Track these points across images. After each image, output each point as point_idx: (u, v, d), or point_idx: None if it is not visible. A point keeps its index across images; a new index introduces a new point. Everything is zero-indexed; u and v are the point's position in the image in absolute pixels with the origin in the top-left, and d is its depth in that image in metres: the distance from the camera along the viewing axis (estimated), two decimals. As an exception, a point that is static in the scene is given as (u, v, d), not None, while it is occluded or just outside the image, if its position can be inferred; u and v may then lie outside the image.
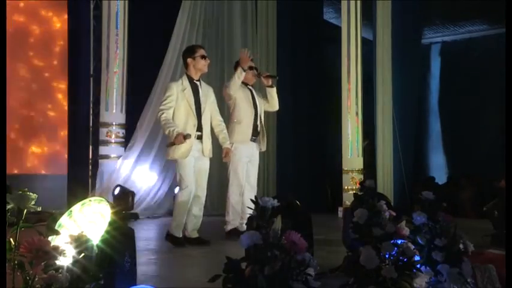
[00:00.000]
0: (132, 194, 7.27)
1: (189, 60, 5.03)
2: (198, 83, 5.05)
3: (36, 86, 7.89)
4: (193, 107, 4.92)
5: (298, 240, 2.15)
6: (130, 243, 2.62)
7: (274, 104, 5.78)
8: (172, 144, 4.79)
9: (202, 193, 5.04)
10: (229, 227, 5.46)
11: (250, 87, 5.69)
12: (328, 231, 5.49)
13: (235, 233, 5.23)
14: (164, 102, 4.90)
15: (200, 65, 5.02)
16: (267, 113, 7.15)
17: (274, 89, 5.74)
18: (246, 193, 5.47)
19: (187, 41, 7.90)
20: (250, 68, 5.62)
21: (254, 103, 5.62)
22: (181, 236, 4.91)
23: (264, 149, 5.74)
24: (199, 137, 4.96)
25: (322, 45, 10.23)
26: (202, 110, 4.97)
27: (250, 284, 2.05)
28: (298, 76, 9.46)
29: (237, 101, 5.53)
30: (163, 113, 4.85)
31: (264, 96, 5.79)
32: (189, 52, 5.11)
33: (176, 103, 4.88)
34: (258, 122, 5.63)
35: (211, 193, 8.06)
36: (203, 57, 5.03)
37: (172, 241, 4.86)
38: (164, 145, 5.55)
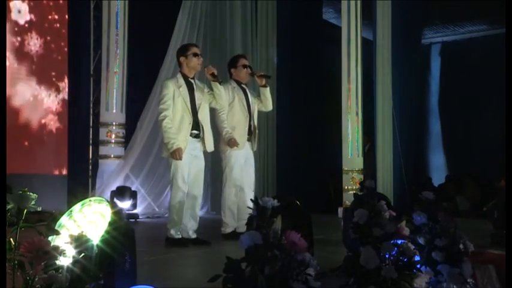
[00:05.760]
0: (133, 194, 7.28)
1: (181, 58, 5.00)
2: (192, 81, 5.01)
3: (36, 86, 7.88)
4: (189, 104, 4.88)
5: (298, 240, 2.14)
6: (130, 243, 2.63)
7: (267, 104, 5.62)
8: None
9: (199, 193, 5.01)
10: (227, 230, 5.39)
11: (243, 85, 5.59)
12: (328, 231, 5.49)
13: (233, 236, 5.18)
14: (163, 101, 4.84)
15: (193, 63, 4.97)
16: (267, 113, 7.15)
17: (268, 89, 5.59)
18: (245, 194, 5.42)
19: (187, 41, 7.87)
20: (244, 66, 5.56)
21: (248, 105, 5.50)
22: (180, 236, 4.89)
23: (255, 149, 5.60)
24: (196, 136, 4.92)
25: (322, 45, 10.23)
26: (198, 107, 4.92)
27: (250, 284, 2.05)
28: (298, 76, 9.46)
29: (230, 108, 5.41)
30: (165, 117, 4.79)
31: (259, 94, 5.65)
32: (182, 51, 5.08)
33: (172, 100, 4.84)
34: (252, 123, 5.52)
35: (212, 193, 8.07)
36: (195, 55, 4.98)
37: (172, 244, 4.82)
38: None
